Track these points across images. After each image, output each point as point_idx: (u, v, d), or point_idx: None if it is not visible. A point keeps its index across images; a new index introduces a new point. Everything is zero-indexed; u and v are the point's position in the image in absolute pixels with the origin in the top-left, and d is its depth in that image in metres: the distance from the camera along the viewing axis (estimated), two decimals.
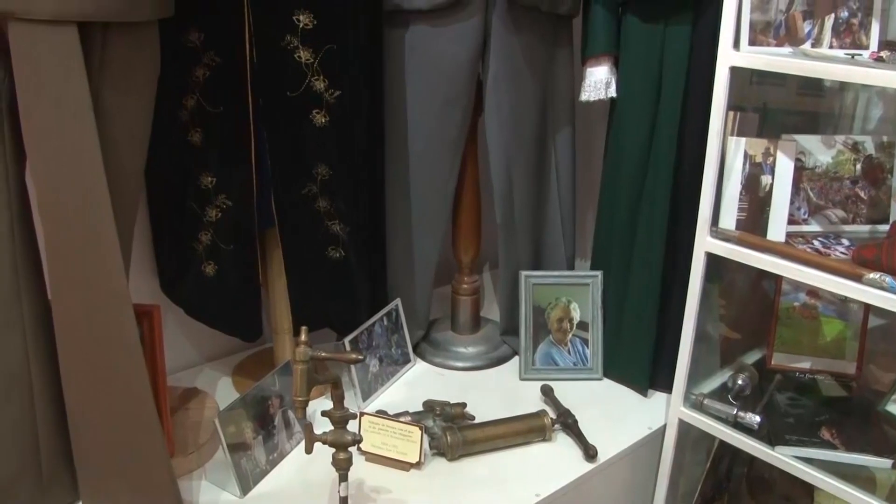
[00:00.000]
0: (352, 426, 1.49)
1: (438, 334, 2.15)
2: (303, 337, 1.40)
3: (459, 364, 2.07)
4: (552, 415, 1.79)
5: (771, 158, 1.57)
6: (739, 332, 2.02)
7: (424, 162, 1.90)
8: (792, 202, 1.58)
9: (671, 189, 1.80)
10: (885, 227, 1.64)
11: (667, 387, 1.84)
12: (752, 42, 1.53)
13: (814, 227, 1.64)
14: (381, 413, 1.72)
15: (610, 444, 1.75)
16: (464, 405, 1.81)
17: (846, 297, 1.76)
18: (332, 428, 1.46)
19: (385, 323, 1.95)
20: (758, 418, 1.66)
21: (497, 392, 1.95)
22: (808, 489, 1.73)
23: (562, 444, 1.76)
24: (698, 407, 1.74)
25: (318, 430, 1.47)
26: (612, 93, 1.87)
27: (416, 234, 1.97)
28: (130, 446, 1.41)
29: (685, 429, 1.78)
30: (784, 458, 1.58)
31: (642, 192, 1.85)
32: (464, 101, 1.85)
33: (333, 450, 1.46)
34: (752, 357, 1.97)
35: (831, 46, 1.52)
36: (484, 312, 2.26)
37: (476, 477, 1.65)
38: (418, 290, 2.02)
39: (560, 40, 1.93)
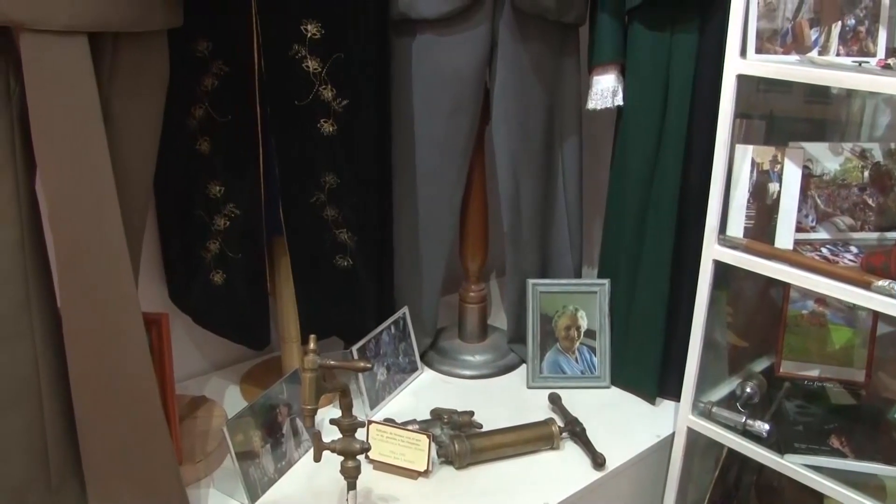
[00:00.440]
0: (360, 434, 1.49)
1: (446, 342, 2.15)
2: (311, 345, 1.40)
3: (467, 372, 2.07)
4: (560, 423, 1.79)
5: (778, 166, 1.57)
6: (747, 339, 2.02)
7: (432, 170, 1.90)
8: (800, 210, 1.58)
9: (678, 197, 1.80)
10: (893, 235, 1.64)
11: (675, 395, 1.83)
12: (759, 50, 1.53)
13: (822, 235, 1.63)
14: (388, 421, 1.72)
15: (618, 453, 1.75)
16: (471, 413, 1.81)
17: (855, 305, 1.76)
18: (340, 436, 1.47)
19: (392, 331, 1.95)
20: (766, 426, 1.66)
21: (505, 400, 1.95)
22: (818, 498, 1.72)
23: (570, 452, 1.76)
24: (707, 415, 1.74)
25: (326, 439, 1.47)
26: (619, 101, 1.88)
27: (424, 242, 1.97)
28: (139, 454, 1.41)
29: (693, 437, 1.78)
30: (793, 466, 1.58)
31: (649, 200, 1.85)
32: (471, 109, 1.85)
33: (342, 458, 1.46)
34: (760, 365, 1.96)
35: (838, 54, 1.52)
36: (491, 321, 2.26)
37: (484, 485, 1.65)
38: (426, 298, 2.03)
39: (567, 49, 1.93)
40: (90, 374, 1.36)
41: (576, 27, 1.93)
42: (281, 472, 1.64)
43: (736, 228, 1.60)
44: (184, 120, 1.64)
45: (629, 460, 1.75)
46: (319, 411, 1.49)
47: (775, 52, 1.53)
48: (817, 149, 1.62)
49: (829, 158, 1.63)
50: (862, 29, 1.51)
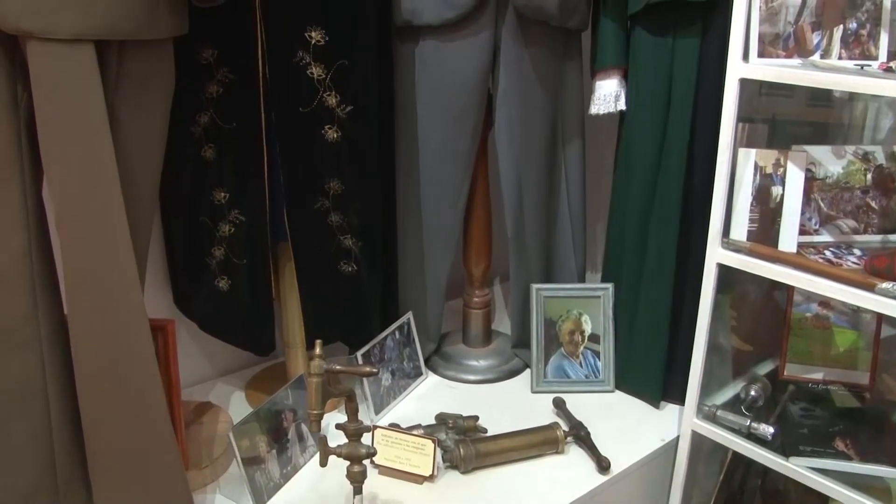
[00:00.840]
0: (365, 439, 1.50)
1: (450, 348, 2.16)
2: (317, 350, 1.41)
3: (471, 377, 2.07)
4: (565, 427, 1.79)
5: (781, 169, 1.58)
6: (751, 343, 2.02)
7: (435, 176, 1.91)
8: (803, 213, 1.58)
9: (682, 200, 1.81)
10: None
11: (679, 398, 1.84)
12: (761, 54, 1.53)
13: (825, 238, 1.64)
14: (393, 426, 1.73)
15: (623, 457, 1.75)
16: (476, 418, 1.81)
17: (859, 308, 1.76)
18: (345, 441, 1.47)
19: (397, 336, 1.95)
20: (771, 429, 1.66)
21: (509, 405, 1.95)
22: (823, 500, 1.72)
23: (574, 456, 1.76)
24: (711, 418, 1.74)
25: (331, 444, 1.47)
26: (622, 106, 1.89)
27: (428, 247, 1.97)
28: (146, 460, 1.42)
29: (698, 440, 1.78)
30: (798, 468, 1.58)
31: (653, 203, 1.86)
32: (474, 114, 1.86)
33: (347, 463, 1.47)
34: (764, 368, 1.96)
35: (840, 57, 1.52)
36: (495, 325, 2.26)
37: (489, 489, 1.65)
38: (430, 303, 2.03)
39: (569, 54, 1.94)
40: (97, 380, 1.37)
41: (578, 32, 1.94)
42: (287, 478, 1.65)
43: (739, 232, 1.60)
44: (189, 127, 1.65)
45: (634, 464, 1.75)
46: (325, 416, 1.50)
47: (777, 56, 1.53)
48: (820, 152, 1.63)
49: (831, 161, 1.63)
50: (863, 32, 1.51)
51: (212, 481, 1.65)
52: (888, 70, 1.45)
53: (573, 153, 2.02)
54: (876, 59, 1.51)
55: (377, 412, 1.85)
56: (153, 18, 1.31)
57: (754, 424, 1.68)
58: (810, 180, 1.61)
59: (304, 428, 1.71)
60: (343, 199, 1.73)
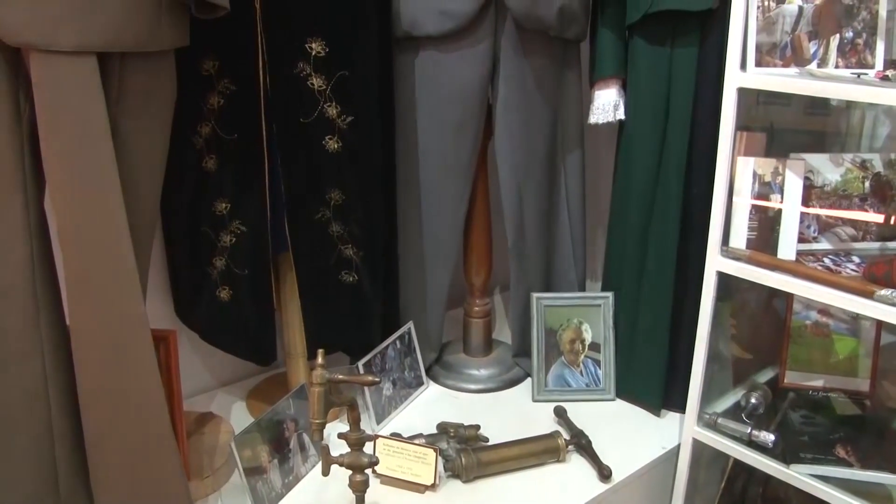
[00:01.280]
0: (367, 448, 1.50)
1: (451, 357, 2.16)
2: (319, 360, 1.42)
3: (472, 386, 2.07)
4: (566, 436, 1.79)
5: (780, 178, 1.59)
6: (751, 351, 2.03)
7: (436, 186, 1.92)
8: (802, 220, 1.59)
9: (681, 209, 1.81)
10: (895, 244, 1.65)
11: (680, 406, 1.84)
12: (759, 63, 1.55)
13: (824, 245, 1.64)
14: (395, 436, 1.73)
15: (624, 465, 1.75)
16: (477, 427, 1.82)
17: (858, 315, 1.77)
18: (347, 450, 1.47)
19: (398, 346, 1.96)
20: (772, 437, 1.66)
21: (510, 414, 1.95)
22: None
23: (576, 464, 1.77)
24: (712, 426, 1.74)
25: (333, 453, 1.48)
26: (621, 115, 1.90)
27: (429, 257, 1.98)
28: (148, 470, 1.42)
29: (699, 448, 1.78)
30: (799, 476, 1.58)
31: (652, 212, 1.86)
32: (474, 124, 1.87)
33: (349, 472, 1.47)
34: (764, 376, 1.97)
35: (837, 66, 1.54)
36: (496, 335, 2.26)
37: (491, 498, 1.65)
38: (431, 313, 2.03)
39: (568, 64, 1.95)
40: (99, 390, 1.37)
41: (577, 43, 1.95)
42: (288, 487, 1.65)
43: (738, 240, 1.61)
44: (190, 137, 1.66)
45: (635, 472, 1.75)
46: (327, 426, 1.50)
47: (775, 65, 1.55)
48: (818, 160, 1.64)
49: (829, 169, 1.64)
50: (860, 41, 1.53)
51: (213, 491, 1.65)
52: (884, 78, 1.46)
53: (572, 162, 2.03)
54: (872, 67, 1.52)
55: (379, 422, 1.86)
56: (155, 30, 1.32)
57: (755, 432, 1.68)
58: (809, 188, 1.62)
59: (306, 438, 1.71)
60: (344, 210, 1.73)
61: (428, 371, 2.08)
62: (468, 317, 2.16)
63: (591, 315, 2.04)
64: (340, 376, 1.44)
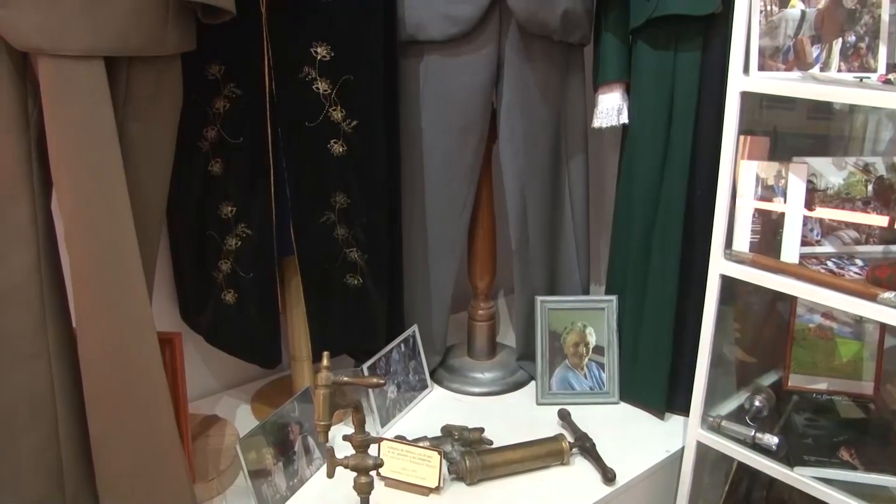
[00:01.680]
0: (371, 451, 1.51)
1: (455, 360, 2.17)
2: (324, 362, 1.42)
3: (476, 389, 2.08)
4: (570, 439, 1.80)
5: (783, 181, 1.59)
6: (755, 354, 2.03)
7: (440, 190, 1.92)
8: (805, 224, 1.59)
9: (684, 213, 1.82)
10: None
11: (684, 409, 1.84)
12: (762, 67, 1.55)
13: (827, 248, 1.65)
14: (399, 438, 1.74)
15: (628, 468, 1.75)
16: (482, 430, 1.82)
17: (862, 318, 1.77)
18: (352, 452, 1.48)
19: (402, 349, 1.96)
20: (776, 439, 1.67)
21: (514, 417, 1.96)
22: None
23: (580, 467, 1.77)
24: (716, 429, 1.74)
25: (338, 455, 1.48)
26: (624, 119, 1.90)
27: (433, 260, 1.99)
28: (153, 472, 1.42)
29: (703, 451, 1.78)
30: (803, 478, 1.58)
31: (656, 216, 1.87)
32: (478, 129, 1.87)
33: (353, 474, 1.47)
34: (768, 379, 1.97)
35: (839, 70, 1.54)
36: (500, 338, 2.27)
37: (495, 501, 1.66)
38: (435, 316, 2.04)
39: (572, 68, 1.96)
40: (105, 392, 1.38)
41: (581, 47, 1.96)
42: (293, 490, 1.65)
43: (742, 243, 1.62)
44: (196, 141, 1.67)
45: (639, 475, 1.76)
46: (332, 428, 1.50)
47: (777, 69, 1.55)
48: (821, 163, 1.64)
49: (832, 173, 1.64)
50: (862, 45, 1.53)
51: (218, 494, 1.66)
52: (887, 82, 1.46)
53: (576, 166, 2.04)
54: (875, 71, 1.52)
55: (383, 424, 1.86)
56: (161, 35, 1.33)
57: (759, 435, 1.68)
58: (811, 192, 1.62)
59: (311, 440, 1.72)
60: (349, 213, 1.74)
61: (432, 374, 2.09)
62: (472, 320, 2.16)
63: (595, 318, 2.04)
64: (346, 378, 1.45)
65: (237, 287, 1.75)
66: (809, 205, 1.61)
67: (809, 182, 1.61)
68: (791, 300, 1.90)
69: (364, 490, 1.46)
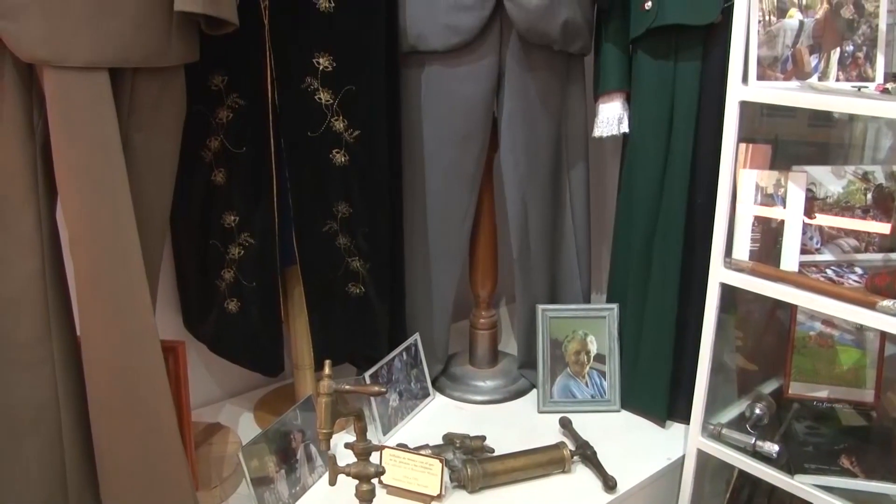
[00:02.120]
0: (373, 459, 1.51)
1: (457, 368, 2.17)
2: (326, 370, 1.43)
3: (478, 397, 2.09)
4: (571, 447, 1.80)
5: (782, 190, 1.60)
6: (756, 362, 2.03)
7: (442, 199, 1.93)
8: (804, 232, 1.60)
9: (685, 221, 1.83)
10: None
11: (685, 417, 1.85)
12: (761, 77, 1.56)
13: (826, 257, 1.65)
14: (401, 446, 1.74)
15: (629, 475, 1.76)
16: (483, 438, 1.83)
17: (862, 326, 1.77)
18: (354, 460, 1.48)
19: (404, 358, 1.97)
20: (776, 447, 1.67)
21: (516, 425, 1.96)
22: None
23: (581, 475, 1.77)
24: (716, 437, 1.75)
25: (340, 463, 1.48)
26: (625, 128, 1.91)
27: (435, 269, 1.99)
28: (156, 480, 1.43)
29: (704, 459, 1.79)
30: (804, 486, 1.59)
31: (656, 224, 1.88)
32: (480, 138, 1.89)
33: (355, 482, 1.48)
34: (769, 387, 1.97)
35: (838, 79, 1.55)
36: (501, 346, 2.28)
37: None
38: (437, 324, 2.05)
39: (573, 78, 1.97)
40: (108, 399, 1.39)
41: (581, 57, 1.97)
42: (295, 498, 1.66)
43: (741, 251, 1.62)
44: (199, 151, 1.68)
45: (640, 483, 1.76)
46: (334, 436, 1.51)
47: (776, 79, 1.56)
48: (820, 172, 1.65)
49: (832, 181, 1.65)
50: (860, 55, 1.54)
51: (221, 501, 1.67)
52: (885, 91, 1.47)
53: (577, 175, 2.05)
54: (873, 80, 1.54)
55: (385, 432, 1.87)
56: (165, 46, 1.34)
57: (759, 442, 1.69)
58: (811, 200, 1.63)
59: (313, 448, 1.73)
60: (351, 222, 1.75)
61: (434, 382, 2.10)
62: (474, 328, 2.17)
63: (596, 326, 2.05)
64: (347, 387, 1.45)
65: (240, 296, 1.76)
66: (809, 213, 1.62)
67: (809, 191, 1.62)
68: (791, 308, 1.90)
69: (366, 498, 1.47)
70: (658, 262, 1.88)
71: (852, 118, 1.86)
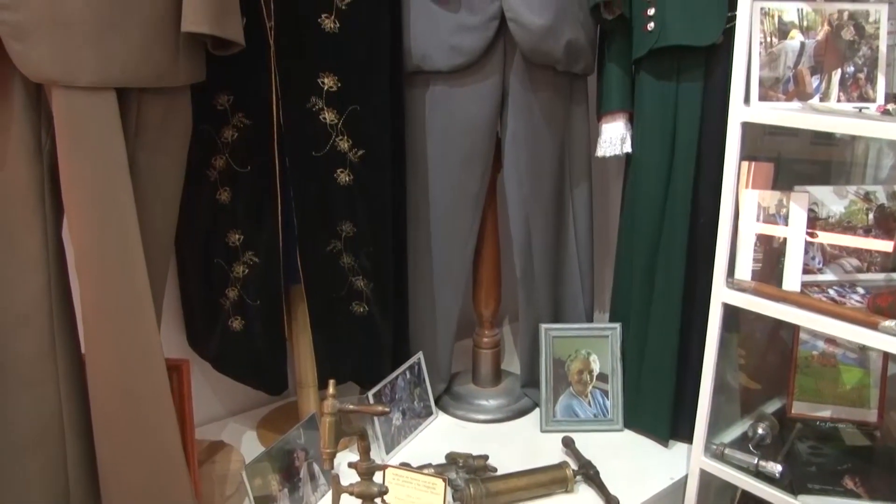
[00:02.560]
0: (376, 478, 1.51)
1: (460, 387, 2.17)
2: (330, 390, 1.43)
3: (481, 417, 2.08)
4: (574, 466, 1.80)
5: (784, 210, 1.60)
6: (759, 381, 2.03)
7: (445, 218, 1.94)
8: (806, 252, 1.60)
9: (687, 241, 1.83)
10: None
11: (688, 437, 1.84)
12: (763, 97, 1.57)
13: (829, 277, 1.66)
14: (404, 465, 1.74)
15: (632, 495, 1.75)
16: (486, 457, 1.82)
17: (864, 345, 1.77)
18: (357, 479, 1.48)
19: (408, 376, 1.97)
20: (779, 467, 1.67)
21: (519, 444, 1.96)
22: None
23: (584, 495, 1.77)
24: (719, 457, 1.74)
25: (343, 482, 1.49)
26: (628, 148, 1.92)
27: (438, 288, 2.00)
28: (160, 497, 1.43)
29: (707, 479, 1.78)
30: None
31: (659, 244, 1.88)
32: (483, 158, 1.90)
33: (359, 502, 1.48)
34: (772, 406, 1.97)
35: (839, 100, 1.56)
36: (505, 365, 2.28)
37: None
38: (440, 343, 2.05)
39: (576, 98, 1.98)
40: (113, 418, 1.39)
41: (584, 77, 1.98)
42: None
43: (744, 271, 1.63)
44: (205, 170, 1.69)
45: (643, 503, 1.75)
46: (337, 455, 1.51)
47: (778, 100, 1.57)
48: (822, 192, 1.65)
49: (833, 201, 1.66)
50: (861, 76, 1.55)
51: None
52: (885, 113, 1.48)
53: (580, 195, 2.06)
54: (874, 101, 1.55)
55: (388, 451, 1.87)
56: (172, 66, 1.36)
57: (762, 463, 1.68)
58: (813, 220, 1.63)
59: (316, 467, 1.73)
60: (355, 241, 1.76)
61: (437, 401, 2.10)
62: (477, 347, 2.17)
63: (599, 346, 2.05)
64: (351, 406, 1.46)
65: (244, 314, 1.77)
66: (811, 233, 1.62)
67: (811, 211, 1.62)
68: (794, 327, 1.90)
69: None
70: (661, 281, 1.89)
71: (854, 137, 1.86)
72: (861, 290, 1.60)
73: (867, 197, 1.67)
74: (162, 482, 1.43)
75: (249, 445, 1.94)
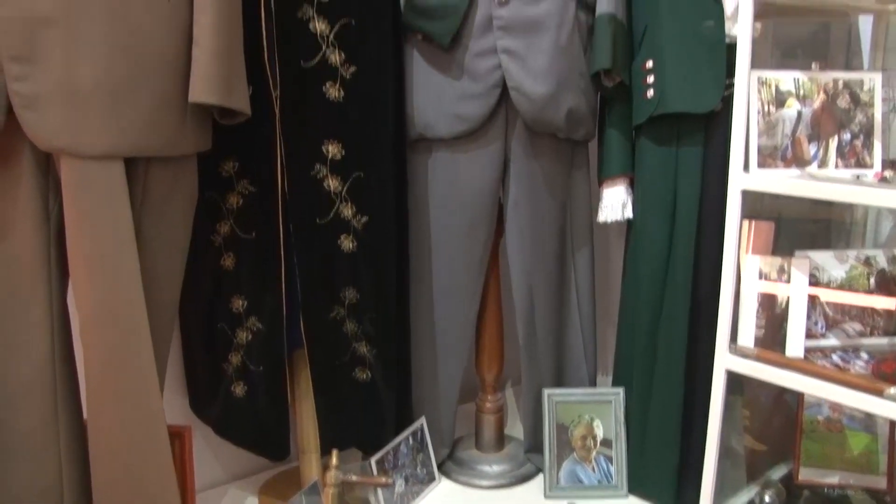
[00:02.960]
0: None
1: (463, 452, 2.15)
2: (334, 461, 1.42)
3: (484, 482, 2.06)
4: None
5: (785, 275, 1.61)
6: (766, 442, 2.01)
7: (449, 283, 1.95)
8: (809, 317, 1.60)
9: (689, 305, 1.83)
10: None
11: (694, 503, 1.82)
12: (762, 165, 1.59)
13: (832, 342, 1.65)
14: None
15: None
16: None
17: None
18: None
19: (410, 442, 1.96)
20: None
21: None
22: None
23: None
24: None
25: None
26: (629, 213, 1.93)
27: (441, 353, 2.00)
28: None
29: None
30: None
31: (661, 309, 1.88)
32: (486, 223, 1.91)
33: None
34: (778, 472, 1.95)
35: (837, 167, 1.58)
36: (508, 430, 2.26)
37: None
38: (443, 408, 2.04)
39: (577, 163, 2.00)
40: (114, 483, 1.38)
41: (585, 142, 2.01)
42: None
43: (746, 338, 1.62)
44: (209, 236, 1.70)
45: None
46: None
47: (777, 167, 1.59)
48: (823, 257, 1.66)
49: (834, 266, 1.66)
50: (858, 142, 1.57)
51: None
52: (883, 180, 1.50)
53: (582, 259, 2.06)
54: (871, 167, 1.56)
55: None
56: (179, 136, 1.38)
57: None
58: (814, 285, 1.64)
59: None
60: (358, 308, 1.76)
61: (440, 467, 2.08)
62: (480, 412, 2.16)
63: (602, 411, 2.03)
64: (354, 477, 1.45)
65: (247, 380, 1.76)
66: (813, 299, 1.62)
67: (812, 276, 1.62)
68: (799, 392, 1.89)
69: None
70: (663, 346, 1.88)
71: None
72: (865, 356, 1.60)
73: (867, 261, 1.67)
74: None
75: None
